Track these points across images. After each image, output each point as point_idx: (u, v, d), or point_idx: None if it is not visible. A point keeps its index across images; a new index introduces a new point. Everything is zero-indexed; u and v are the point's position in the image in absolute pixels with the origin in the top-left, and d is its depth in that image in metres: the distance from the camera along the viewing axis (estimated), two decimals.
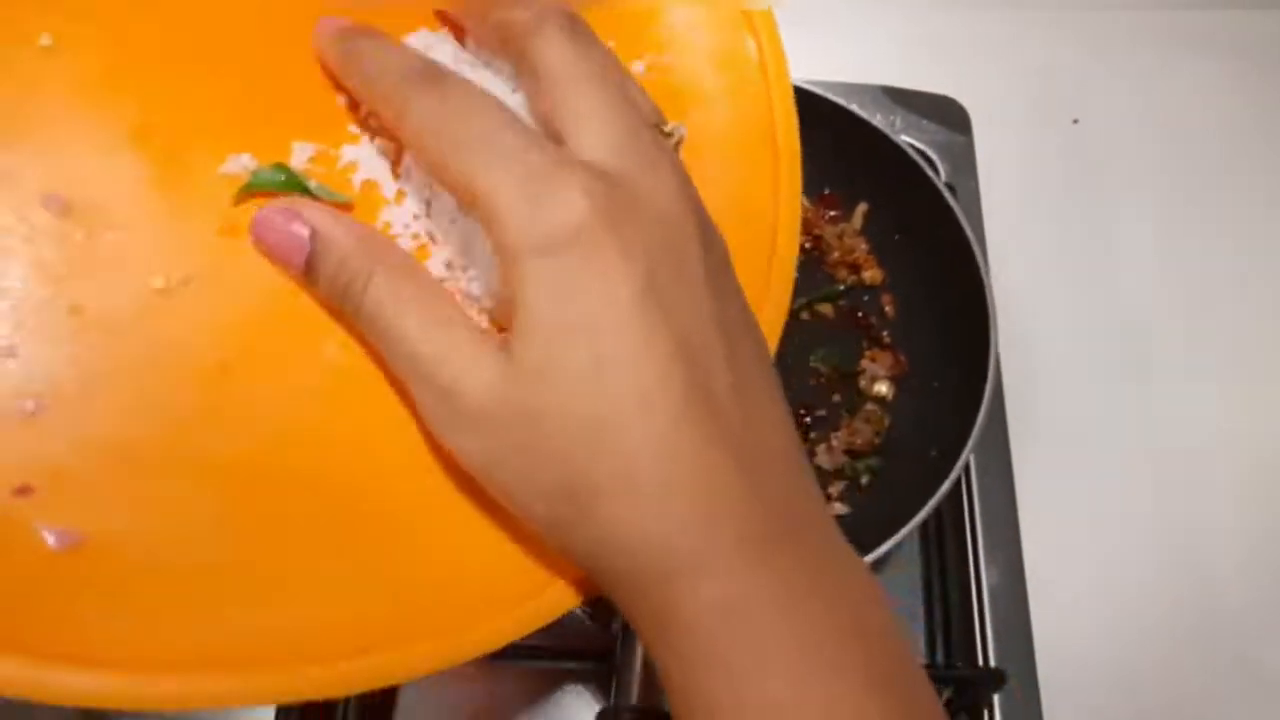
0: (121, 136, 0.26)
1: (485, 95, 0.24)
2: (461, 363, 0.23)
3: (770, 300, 0.30)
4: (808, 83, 0.53)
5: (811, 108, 0.50)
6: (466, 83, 0.24)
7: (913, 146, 0.59)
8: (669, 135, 0.25)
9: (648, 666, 0.35)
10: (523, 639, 0.26)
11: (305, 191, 0.26)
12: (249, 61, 0.27)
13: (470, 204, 0.23)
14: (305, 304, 0.26)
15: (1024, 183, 0.62)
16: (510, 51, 0.26)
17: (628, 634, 0.36)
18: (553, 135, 0.24)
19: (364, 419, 0.27)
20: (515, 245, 0.22)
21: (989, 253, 0.56)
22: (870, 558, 0.39)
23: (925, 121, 0.61)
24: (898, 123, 0.61)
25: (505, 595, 0.25)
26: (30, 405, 0.23)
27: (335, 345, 0.26)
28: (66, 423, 0.24)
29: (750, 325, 0.26)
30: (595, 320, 0.22)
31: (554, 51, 0.24)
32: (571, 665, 0.44)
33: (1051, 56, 0.68)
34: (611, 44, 0.27)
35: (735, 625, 0.22)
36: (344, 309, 0.25)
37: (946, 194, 0.47)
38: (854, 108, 0.60)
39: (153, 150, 0.26)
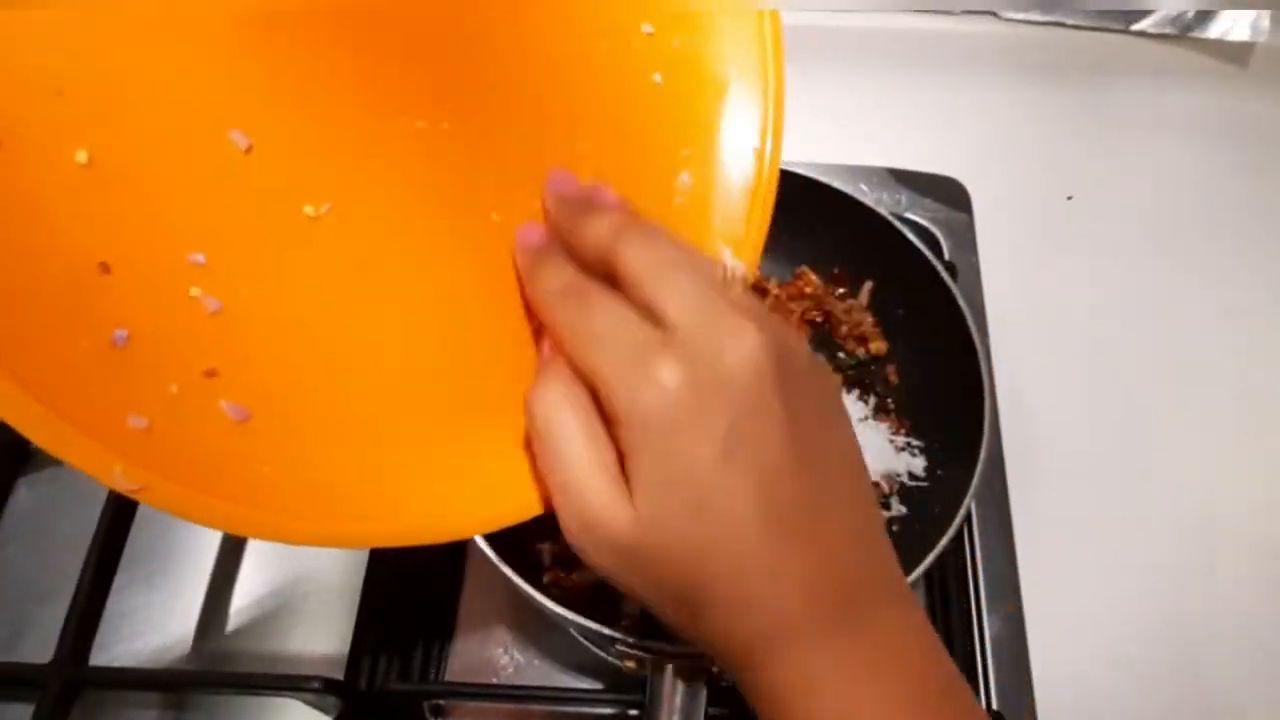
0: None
1: (612, 302, 0.30)
2: (604, 501, 0.29)
3: (753, 221, 0.39)
4: (819, 166, 0.58)
5: (823, 194, 0.55)
6: (603, 294, 0.30)
7: (916, 224, 0.63)
8: (733, 281, 0.31)
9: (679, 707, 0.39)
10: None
11: None
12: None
13: (592, 386, 0.29)
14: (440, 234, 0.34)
15: (1021, 256, 0.66)
16: (603, 265, 0.31)
17: (656, 675, 0.39)
18: (653, 320, 0.29)
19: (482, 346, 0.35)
20: (622, 417, 0.28)
21: (989, 321, 0.60)
22: None
23: (928, 200, 0.66)
24: (903, 201, 0.66)
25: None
26: (214, 305, 0.30)
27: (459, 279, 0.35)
28: (241, 324, 0.30)
29: (831, 437, 0.31)
30: (687, 474, 0.28)
31: (629, 257, 0.30)
32: (603, 708, 0.48)
33: (1047, 139, 0.73)
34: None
35: (803, 700, 0.28)
36: (528, 409, 0.31)
37: (943, 272, 0.51)
38: (862, 188, 0.65)
39: None
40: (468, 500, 0.35)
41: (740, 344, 0.28)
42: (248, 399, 0.30)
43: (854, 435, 0.32)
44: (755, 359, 0.28)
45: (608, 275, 0.31)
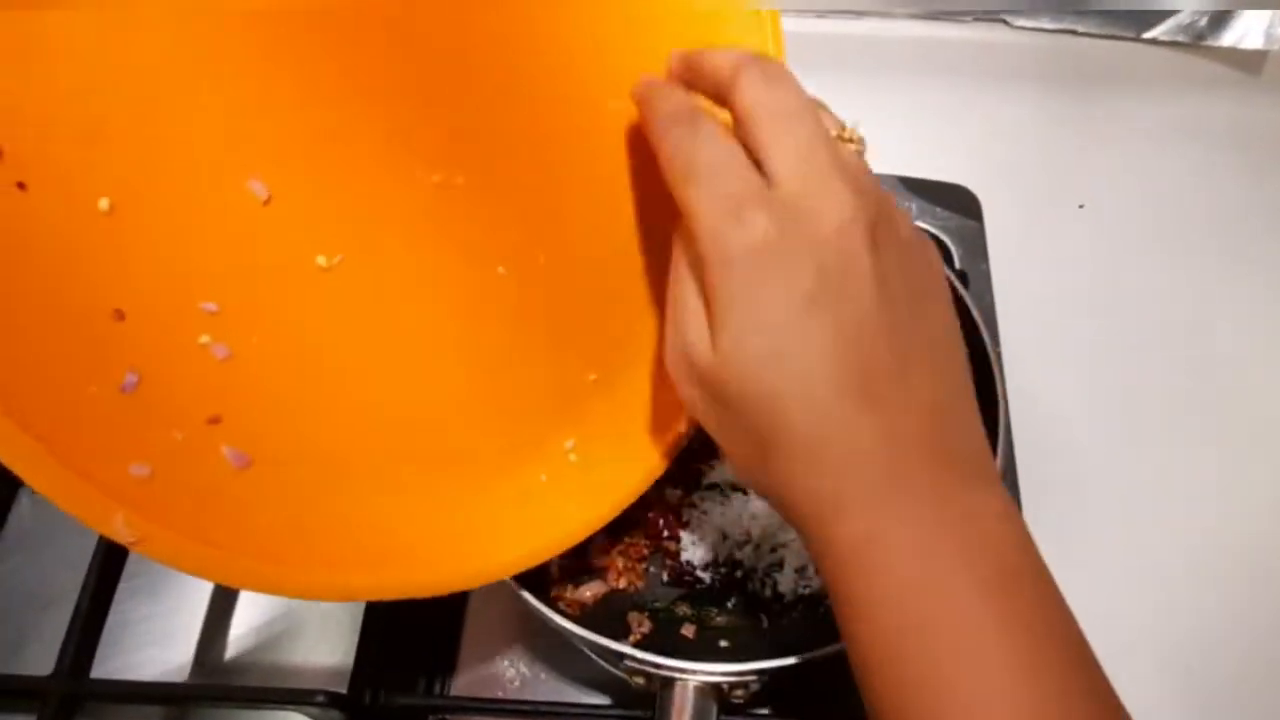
0: None
1: (720, 137, 0.29)
2: (696, 332, 0.29)
3: None
4: None
5: None
6: (714, 126, 0.30)
7: (927, 232, 0.63)
8: (849, 141, 0.31)
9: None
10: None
11: None
12: None
13: (685, 218, 0.29)
14: (448, 293, 0.35)
15: (1032, 264, 0.65)
16: (719, 99, 0.31)
17: (665, 691, 0.39)
18: (760, 167, 0.29)
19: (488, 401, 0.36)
20: (709, 257, 0.28)
21: (1001, 329, 0.60)
22: None
23: (939, 209, 0.65)
24: (913, 209, 0.65)
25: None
26: (222, 352, 0.30)
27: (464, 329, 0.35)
28: (247, 371, 0.30)
29: (924, 309, 0.30)
30: (765, 322, 0.28)
31: (747, 96, 0.29)
32: None
33: (1058, 147, 0.73)
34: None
35: (870, 556, 0.28)
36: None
37: (955, 280, 0.51)
38: None
39: None
40: (464, 553, 0.34)
41: (839, 209, 0.28)
42: (250, 445, 0.29)
43: (952, 313, 0.31)
44: (852, 225, 0.28)
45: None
